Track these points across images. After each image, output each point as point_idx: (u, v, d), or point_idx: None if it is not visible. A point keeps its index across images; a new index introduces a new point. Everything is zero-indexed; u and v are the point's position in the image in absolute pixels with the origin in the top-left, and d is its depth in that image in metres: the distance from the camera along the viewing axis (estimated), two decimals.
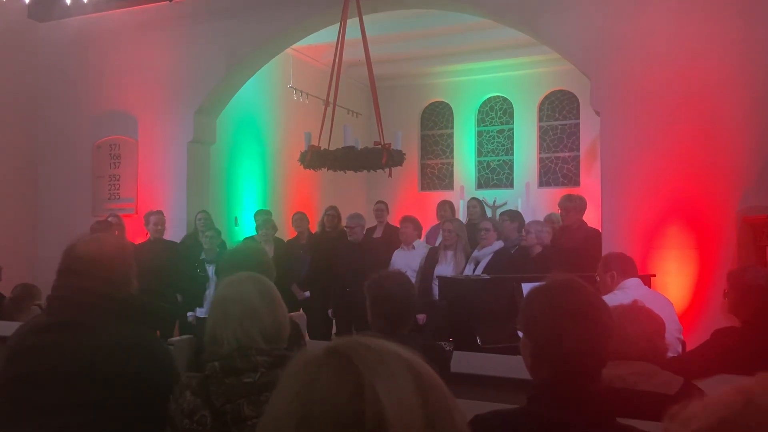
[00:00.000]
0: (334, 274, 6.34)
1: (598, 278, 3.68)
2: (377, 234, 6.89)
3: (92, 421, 1.62)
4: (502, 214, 6.70)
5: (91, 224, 6.20)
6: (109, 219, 6.28)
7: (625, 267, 3.64)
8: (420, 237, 6.48)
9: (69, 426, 1.62)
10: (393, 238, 6.64)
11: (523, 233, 5.42)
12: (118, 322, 1.75)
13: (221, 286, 1.87)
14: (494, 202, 9.98)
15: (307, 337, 6.19)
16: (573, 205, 5.60)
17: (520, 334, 1.62)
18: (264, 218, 6.70)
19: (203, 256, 6.14)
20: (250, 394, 1.65)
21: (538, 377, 1.54)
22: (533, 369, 1.54)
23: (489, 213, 9.11)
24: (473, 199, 7.11)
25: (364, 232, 6.64)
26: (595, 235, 5.54)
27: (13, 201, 7.43)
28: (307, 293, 6.53)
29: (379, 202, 7.23)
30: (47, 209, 7.61)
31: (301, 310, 6.42)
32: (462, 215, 8.38)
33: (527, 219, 7.76)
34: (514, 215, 5.92)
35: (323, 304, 6.48)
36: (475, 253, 5.40)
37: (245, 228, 7.93)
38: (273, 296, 1.83)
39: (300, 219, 6.87)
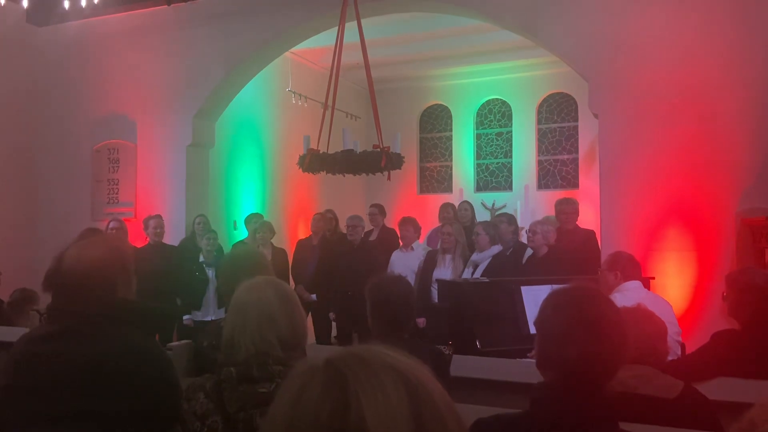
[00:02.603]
0: (334, 277, 6.34)
1: (600, 274, 3.69)
2: (373, 237, 6.88)
3: (93, 428, 1.62)
4: (498, 215, 6.72)
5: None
6: (111, 223, 6.27)
7: (631, 269, 3.66)
8: (419, 238, 6.48)
9: None
10: (389, 240, 6.64)
11: (529, 234, 5.45)
12: (117, 327, 1.74)
13: (240, 290, 1.84)
14: (493, 204, 9.99)
15: (313, 340, 6.22)
16: (573, 209, 5.65)
17: (536, 330, 1.62)
18: (261, 222, 6.69)
19: (202, 258, 6.14)
20: (263, 404, 1.61)
21: (544, 377, 1.54)
22: (540, 368, 1.55)
23: (488, 215, 9.12)
24: (465, 202, 7.12)
25: (363, 235, 6.63)
26: (591, 237, 5.61)
27: (13, 205, 7.42)
28: (314, 296, 6.51)
29: (372, 206, 7.21)
30: (46, 213, 7.61)
31: (310, 313, 6.42)
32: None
33: (526, 221, 7.76)
34: (511, 218, 5.98)
35: (327, 308, 6.48)
36: (474, 257, 5.40)
37: (244, 231, 7.92)
38: (291, 301, 1.81)
39: (318, 220, 6.83)
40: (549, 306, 1.58)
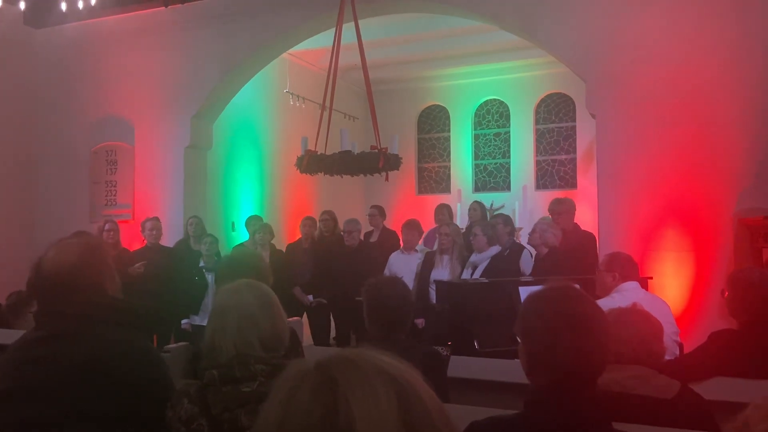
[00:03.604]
0: (333, 279, 6.32)
1: (597, 274, 3.69)
2: (373, 238, 6.88)
3: (91, 430, 1.61)
4: (495, 217, 6.71)
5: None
6: (107, 225, 6.25)
7: (629, 270, 3.66)
8: (420, 241, 6.48)
9: None
10: (390, 242, 6.63)
11: (530, 233, 5.46)
12: (113, 329, 1.74)
13: (219, 294, 1.87)
14: (491, 205, 9.98)
15: (312, 343, 6.21)
16: (564, 209, 5.61)
17: (519, 339, 1.62)
18: (260, 224, 6.68)
19: (202, 263, 6.06)
20: (247, 403, 1.64)
21: (534, 383, 1.54)
22: (530, 375, 1.55)
23: (487, 216, 9.11)
24: (475, 202, 7.11)
25: (362, 237, 6.63)
26: (589, 238, 5.57)
27: (11, 207, 7.41)
28: (311, 297, 6.50)
29: (372, 207, 7.19)
30: (45, 215, 7.60)
31: (305, 314, 6.41)
32: (459, 219, 8.38)
33: (524, 221, 7.75)
34: (507, 219, 5.97)
35: (325, 309, 6.46)
36: (473, 258, 5.40)
37: (242, 233, 7.91)
38: (271, 303, 1.82)
39: (306, 224, 6.82)
40: (529, 311, 1.58)
